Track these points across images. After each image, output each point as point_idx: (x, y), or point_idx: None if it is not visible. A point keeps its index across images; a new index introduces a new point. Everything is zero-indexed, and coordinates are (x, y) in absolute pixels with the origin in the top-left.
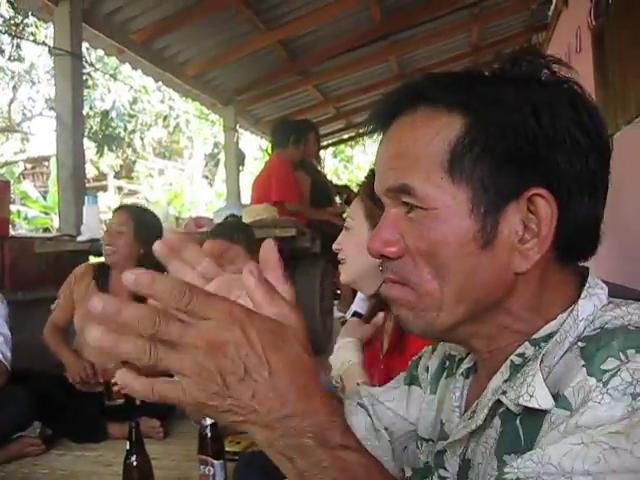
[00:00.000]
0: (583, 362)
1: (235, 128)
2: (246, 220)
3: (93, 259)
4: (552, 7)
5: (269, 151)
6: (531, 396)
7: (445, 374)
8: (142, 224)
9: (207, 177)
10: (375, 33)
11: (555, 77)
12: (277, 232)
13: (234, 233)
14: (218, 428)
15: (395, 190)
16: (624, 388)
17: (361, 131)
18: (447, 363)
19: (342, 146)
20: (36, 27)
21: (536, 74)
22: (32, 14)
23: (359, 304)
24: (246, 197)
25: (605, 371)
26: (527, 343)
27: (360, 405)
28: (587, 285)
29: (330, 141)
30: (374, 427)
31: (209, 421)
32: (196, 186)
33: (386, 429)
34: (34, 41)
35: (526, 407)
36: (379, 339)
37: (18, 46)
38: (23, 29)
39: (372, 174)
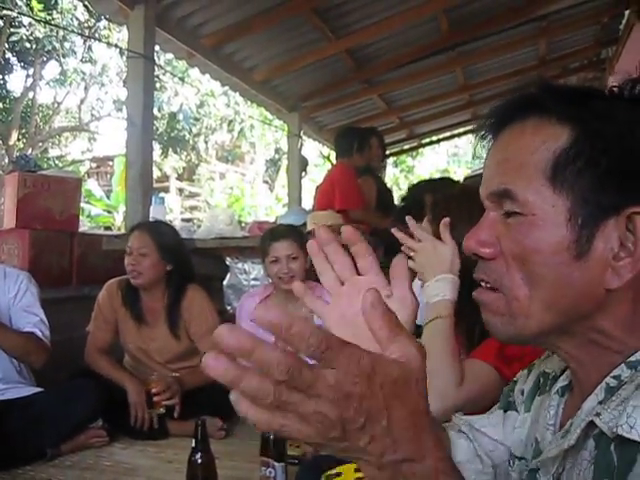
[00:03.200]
0: None
1: (299, 134)
2: (310, 226)
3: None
4: (624, 21)
5: (331, 159)
6: (632, 427)
7: (539, 392)
8: (164, 241)
9: (267, 182)
10: (442, 44)
11: None
12: (341, 239)
13: (284, 229)
14: None
15: (497, 194)
16: None
17: (474, 133)
18: (541, 381)
19: (403, 156)
20: (109, 30)
21: None
22: (107, 18)
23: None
24: (307, 203)
25: None
26: (623, 365)
27: (461, 431)
28: None
29: (392, 150)
30: (476, 452)
31: None
32: (256, 191)
33: (487, 455)
34: (107, 43)
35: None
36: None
37: (90, 48)
38: (96, 32)
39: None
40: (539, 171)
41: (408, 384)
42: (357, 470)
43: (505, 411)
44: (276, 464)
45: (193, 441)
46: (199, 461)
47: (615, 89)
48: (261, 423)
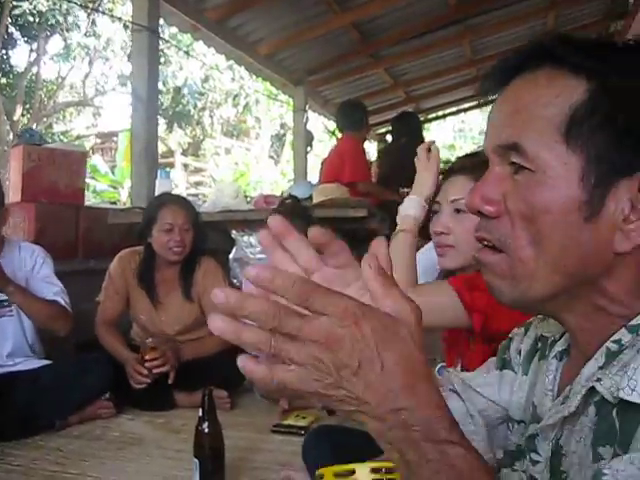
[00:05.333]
0: None
1: (305, 109)
2: (317, 199)
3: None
4: None
5: (336, 134)
6: (633, 390)
7: (538, 356)
8: (196, 214)
9: (273, 157)
10: (449, 17)
11: None
12: (349, 212)
13: (293, 217)
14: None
15: (505, 147)
16: None
17: (479, 85)
18: (539, 344)
19: None
20: (112, 3)
21: None
22: None
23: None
24: (312, 178)
25: None
26: (624, 330)
27: (453, 391)
28: None
29: None
30: (468, 412)
31: None
32: (262, 166)
33: (479, 413)
34: (111, 16)
35: (625, 402)
36: None
37: (94, 22)
38: (99, 5)
39: (480, 155)
40: (552, 126)
41: (399, 333)
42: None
43: (501, 370)
44: (194, 459)
45: (200, 410)
46: (206, 430)
47: (632, 42)
48: (266, 378)
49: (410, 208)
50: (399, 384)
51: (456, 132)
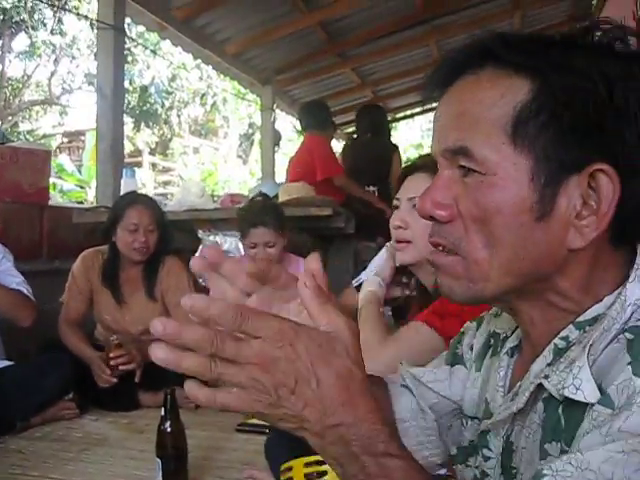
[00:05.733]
0: (629, 359)
1: (272, 108)
2: (282, 198)
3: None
4: None
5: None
6: (577, 389)
7: (490, 352)
8: (161, 214)
9: (241, 157)
10: (416, 17)
11: (629, 50)
12: (314, 211)
13: (264, 213)
14: None
15: (453, 151)
16: None
17: (421, 90)
18: (492, 341)
19: None
20: (79, 1)
21: (610, 44)
22: None
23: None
24: (280, 177)
25: None
26: (571, 326)
27: (404, 386)
28: (636, 267)
29: None
30: (420, 407)
31: None
32: (230, 165)
33: (430, 408)
34: (77, 14)
35: (571, 400)
36: None
37: (60, 20)
38: (66, 3)
39: None
40: (499, 127)
41: (335, 351)
42: (307, 464)
43: (452, 365)
44: (157, 459)
45: (162, 410)
46: (168, 430)
47: (571, 37)
48: (209, 401)
49: (372, 285)
50: (336, 400)
51: (424, 131)
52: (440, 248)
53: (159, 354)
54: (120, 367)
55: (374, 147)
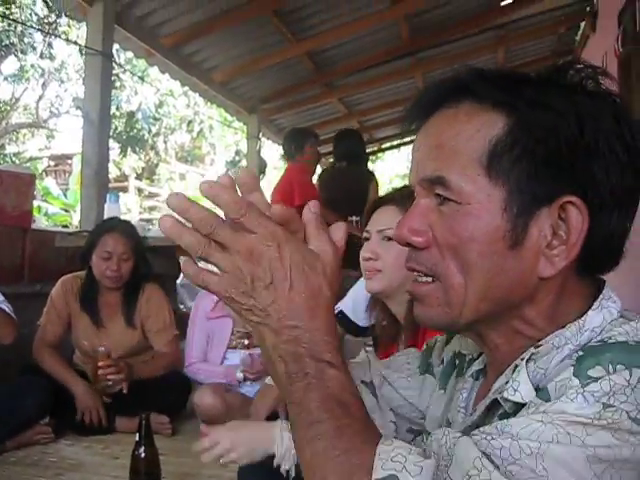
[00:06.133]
0: (574, 365)
1: (258, 136)
2: None
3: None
4: (580, 32)
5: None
6: (515, 390)
7: (455, 373)
8: (138, 242)
9: None
10: (402, 50)
11: (600, 89)
12: None
13: None
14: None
15: (430, 181)
16: (599, 396)
17: (401, 121)
18: (457, 362)
19: None
20: (68, 26)
21: (582, 83)
22: (66, 14)
23: (349, 305)
24: None
25: (589, 376)
26: (532, 348)
27: (364, 383)
28: (601, 297)
29: None
30: (378, 406)
31: None
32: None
33: (391, 410)
34: (66, 40)
35: (517, 404)
36: (396, 345)
37: (50, 44)
38: (56, 28)
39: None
40: (474, 160)
41: (315, 267)
42: None
43: (424, 373)
44: None
45: (137, 435)
46: (142, 455)
47: (546, 75)
48: (195, 275)
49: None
50: (301, 305)
51: (410, 162)
52: (416, 274)
53: (167, 223)
54: (109, 377)
55: (350, 176)
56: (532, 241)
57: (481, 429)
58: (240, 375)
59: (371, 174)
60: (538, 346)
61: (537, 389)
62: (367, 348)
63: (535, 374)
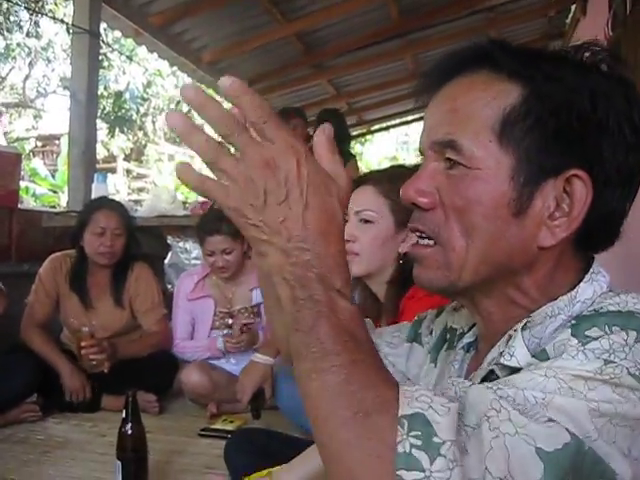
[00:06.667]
0: (571, 328)
1: None
2: None
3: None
4: (570, 15)
5: None
6: (512, 356)
7: (446, 346)
8: (129, 219)
9: None
10: (392, 31)
11: (614, 71)
12: None
13: (218, 221)
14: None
15: (442, 144)
16: (600, 353)
17: (415, 86)
18: (448, 336)
19: (352, 142)
20: (55, 5)
21: (597, 64)
22: None
23: None
24: None
25: (588, 336)
26: (526, 319)
27: None
28: (591, 271)
29: None
30: None
31: None
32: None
33: None
34: (53, 18)
35: (513, 371)
36: (378, 324)
37: (36, 23)
38: (42, 6)
39: (392, 169)
40: (487, 126)
41: (330, 190)
42: None
43: (411, 342)
44: (117, 461)
45: (123, 412)
46: (129, 432)
47: (562, 52)
48: (197, 183)
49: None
50: (314, 228)
51: (399, 144)
52: (417, 234)
53: (176, 118)
54: (91, 356)
55: None
56: (535, 211)
57: (485, 383)
58: (221, 344)
59: (351, 155)
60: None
61: (533, 356)
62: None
63: (530, 342)
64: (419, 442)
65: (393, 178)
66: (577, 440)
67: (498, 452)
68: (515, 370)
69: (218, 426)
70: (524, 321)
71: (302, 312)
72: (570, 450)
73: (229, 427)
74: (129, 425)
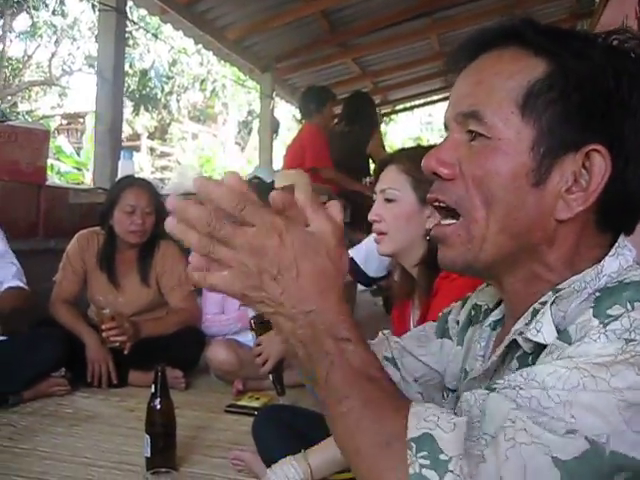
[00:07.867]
0: (593, 306)
1: (272, 96)
2: (278, 184)
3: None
4: None
5: (301, 120)
6: (538, 331)
7: (471, 324)
8: (158, 199)
9: (239, 144)
10: (417, 10)
11: None
12: None
13: (259, 195)
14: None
15: (465, 115)
16: (621, 332)
17: (445, 61)
18: (473, 313)
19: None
20: None
21: (625, 49)
22: None
23: (362, 254)
24: (278, 165)
25: (609, 315)
26: (550, 292)
27: (386, 359)
28: (616, 245)
29: None
30: (402, 379)
31: None
32: (228, 152)
33: (415, 380)
34: None
35: (537, 345)
36: (410, 299)
37: (62, 1)
38: None
39: (417, 148)
40: (511, 98)
41: (318, 250)
42: None
43: (441, 338)
44: (145, 435)
45: (152, 387)
46: (158, 407)
47: (591, 36)
48: (200, 279)
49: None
50: (311, 289)
51: (423, 124)
52: (436, 204)
53: (170, 225)
54: (112, 339)
55: (347, 138)
56: (553, 183)
57: (506, 378)
58: (252, 312)
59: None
60: (558, 290)
61: (558, 331)
62: (384, 331)
63: (555, 316)
64: (427, 462)
65: (414, 156)
66: (596, 446)
67: (514, 462)
68: (540, 346)
69: (244, 403)
70: (553, 297)
71: (317, 367)
72: (589, 457)
73: (255, 404)
74: (158, 400)
